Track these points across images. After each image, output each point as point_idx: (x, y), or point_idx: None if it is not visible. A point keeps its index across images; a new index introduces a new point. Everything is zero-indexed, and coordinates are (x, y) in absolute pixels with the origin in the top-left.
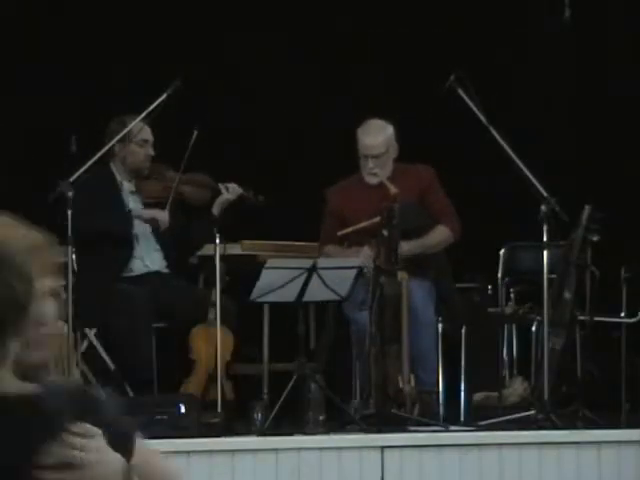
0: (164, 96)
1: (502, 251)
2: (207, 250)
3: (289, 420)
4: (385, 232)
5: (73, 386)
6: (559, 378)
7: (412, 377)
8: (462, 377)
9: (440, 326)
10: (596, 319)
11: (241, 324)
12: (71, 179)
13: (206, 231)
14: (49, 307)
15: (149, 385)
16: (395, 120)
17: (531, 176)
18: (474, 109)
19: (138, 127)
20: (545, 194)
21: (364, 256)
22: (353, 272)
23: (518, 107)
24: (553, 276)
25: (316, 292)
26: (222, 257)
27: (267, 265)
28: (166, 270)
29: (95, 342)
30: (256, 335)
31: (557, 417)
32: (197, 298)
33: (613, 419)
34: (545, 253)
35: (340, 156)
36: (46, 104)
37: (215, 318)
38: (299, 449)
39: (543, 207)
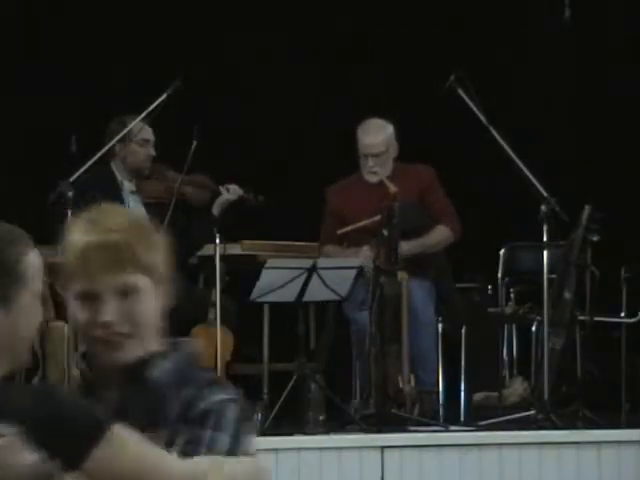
0: (164, 96)
1: (502, 251)
2: (207, 250)
3: (289, 420)
4: (385, 232)
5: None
6: (559, 378)
7: (412, 377)
8: (462, 377)
9: (440, 326)
10: (596, 319)
11: (241, 324)
12: (71, 179)
13: (206, 231)
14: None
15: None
16: (395, 120)
17: (531, 176)
18: (474, 109)
19: (139, 127)
20: (545, 194)
21: (364, 256)
22: (353, 272)
23: (518, 107)
24: (553, 276)
25: (316, 292)
26: (222, 257)
27: (267, 265)
28: None
29: None
30: (256, 335)
31: (557, 417)
32: (197, 298)
33: (613, 419)
34: (545, 253)
35: (340, 156)
36: (46, 104)
37: (215, 318)
38: (299, 449)
39: (543, 207)
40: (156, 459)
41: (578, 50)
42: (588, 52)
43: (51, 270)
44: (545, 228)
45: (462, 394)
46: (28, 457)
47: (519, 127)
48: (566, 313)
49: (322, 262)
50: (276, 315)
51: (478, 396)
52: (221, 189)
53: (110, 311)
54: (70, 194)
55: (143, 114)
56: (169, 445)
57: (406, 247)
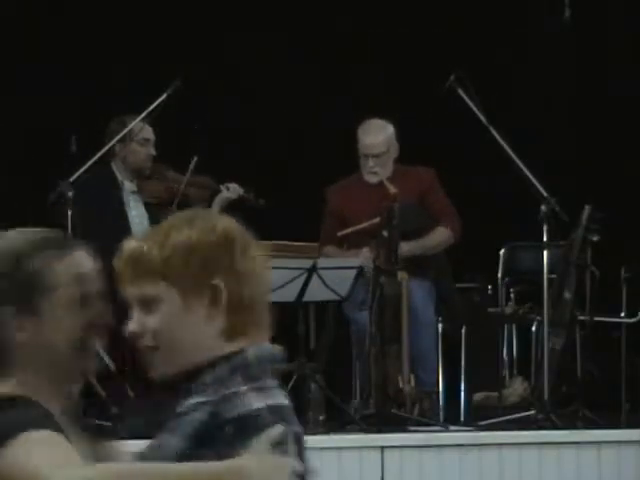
0: (164, 96)
1: (502, 251)
2: None
3: None
4: (385, 232)
5: None
6: (559, 378)
7: (412, 377)
8: (462, 377)
9: (440, 326)
10: (596, 319)
11: None
12: (71, 179)
13: None
14: None
15: (150, 386)
16: (395, 120)
17: (531, 176)
18: (474, 109)
19: (139, 126)
20: (545, 194)
21: (363, 257)
22: (353, 272)
23: (518, 107)
24: (553, 276)
25: (316, 292)
26: None
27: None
28: None
29: None
30: None
31: (557, 417)
32: None
33: (613, 419)
34: (545, 253)
35: (340, 156)
36: (46, 104)
37: None
38: None
39: (543, 207)
40: (36, 467)
41: (578, 50)
42: (588, 52)
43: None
44: (545, 228)
45: (462, 394)
46: None
47: (519, 127)
48: (566, 313)
49: (322, 262)
50: (276, 315)
51: (478, 396)
52: (221, 188)
53: (133, 322)
54: (70, 194)
55: (143, 114)
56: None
57: (406, 248)
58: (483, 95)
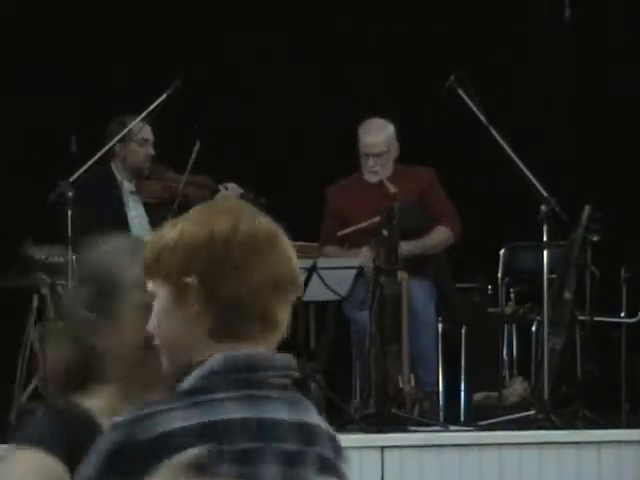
0: (164, 96)
1: (502, 251)
2: None
3: None
4: (385, 232)
5: None
6: (559, 378)
7: (412, 377)
8: (462, 377)
9: (440, 326)
10: (596, 319)
11: None
12: (71, 179)
13: None
14: None
15: None
16: (395, 120)
17: (531, 176)
18: (474, 109)
19: (138, 126)
20: (545, 194)
21: (363, 257)
22: (353, 272)
23: (518, 107)
24: (553, 276)
25: (316, 292)
26: None
27: None
28: None
29: None
30: None
31: (557, 417)
32: None
33: (613, 419)
34: (545, 253)
35: (340, 156)
36: (46, 104)
37: None
38: None
39: (543, 207)
40: None
41: (578, 50)
42: (588, 52)
43: None
44: (545, 228)
45: (462, 394)
46: None
47: (519, 127)
48: (566, 313)
49: (322, 262)
50: None
51: (478, 396)
52: (220, 187)
53: (150, 320)
54: (70, 194)
55: (143, 114)
56: None
57: (406, 247)
58: (483, 95)
